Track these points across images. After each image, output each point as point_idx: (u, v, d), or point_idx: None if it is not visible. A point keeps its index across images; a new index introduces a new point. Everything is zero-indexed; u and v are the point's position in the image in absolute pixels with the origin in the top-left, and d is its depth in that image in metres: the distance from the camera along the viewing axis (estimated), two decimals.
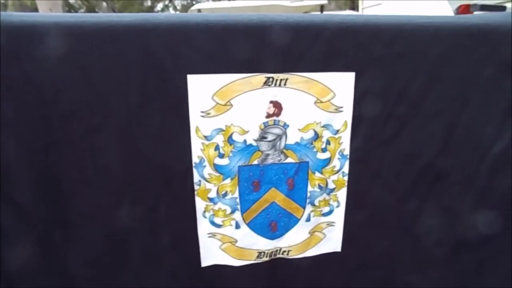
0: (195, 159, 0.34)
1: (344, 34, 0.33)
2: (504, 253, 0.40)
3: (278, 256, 0.38)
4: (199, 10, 2.62)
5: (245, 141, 0.34)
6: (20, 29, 0.29)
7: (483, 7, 1.15)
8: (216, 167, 0.34)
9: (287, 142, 0.35)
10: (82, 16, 0.31)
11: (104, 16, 0.32)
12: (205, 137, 0.33)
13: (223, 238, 0.36)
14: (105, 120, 0.32)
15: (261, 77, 0.33)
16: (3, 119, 0.30)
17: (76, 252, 0.34)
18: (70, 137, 0.32)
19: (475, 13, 1.17)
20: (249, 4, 2.84)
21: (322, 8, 2.82)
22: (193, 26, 0.31)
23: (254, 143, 0.34)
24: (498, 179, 0.38)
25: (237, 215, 0.36)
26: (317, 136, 0.35)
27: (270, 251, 0.38)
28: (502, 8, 1.15)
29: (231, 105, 0.33)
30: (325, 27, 0.33)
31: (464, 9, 1.25)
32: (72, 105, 0.31)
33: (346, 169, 0.37)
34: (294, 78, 0.33)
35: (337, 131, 0.36)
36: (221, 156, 0.34)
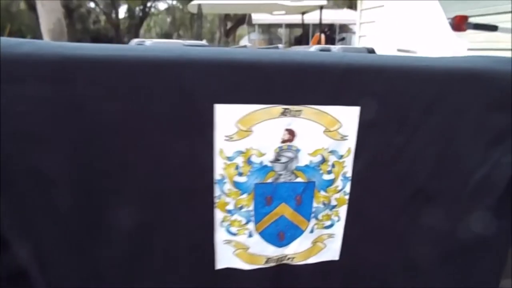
0: (217, 177, 0.38)
1: (352, 73, 0.38)
2: (483, 262, 0.46)
3: (283, 262, 0.43)
4: (199, 6, 2.63)
5: (261, 162, 0.39)
6: (72, 60, 0.33)
7: (476, 26, 1.21)
8: (235, 184, 0.39)
9: (298, 164, 0.40)
10: (126, 50, 0.35)
11: (142, 50, 0.36)
12: (227, 157, 0.38)
13: (237, 245, 0.41)
14: (141, 140, 0.36)
15: (279, 108, 0.37)
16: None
17: (107, 251, 0.39)
18: (110, 152, 0.36)
19: (468, 30, 1.22)
20: (250, 2, 2.87)
21: (321, 8, 2.86)
22: (221, 62, 0.36)
23: (269, 164, 0.39)
24: (479, 201, 0.44)
25: (251, 226, 0.41)
26: (324, 160, 0.40)
27: (277, 257, 0.43)
28: (493, 27, 1.21)
29: (252, 131, 0.38)
30: (336, 67, 0.38)
31: (459, 21, 1.30)
32: (114, 125, 0.35)
33: (347, 189, 0.42)
34: (308, 110, 0.38)
35: (342, 156, 0.40)
36: (240, 174, 0.39)
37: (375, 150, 0.40)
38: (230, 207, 0.40)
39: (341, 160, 0.40)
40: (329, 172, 0.41)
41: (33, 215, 0.36)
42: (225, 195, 0.39)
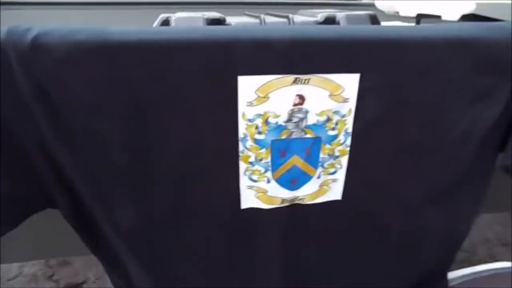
0: (240, 135, 0.47)
1: (353, 46, 0.44)
2: (455, 202, 0.55)
3: (296, 202, 0.53)
4: None
5: (277, 122, 0.47)
6: (118, 45, 0.40)
7: None
8: (256, 141, 0.48)
9: (307, 123, 0.48)
10: (160, 33, 0.42)
11: (175, 32, 0.42)
12: (249, 119, 0.46)
13: (258, 189, 0.51)
14: (179, 108, 0.44)
15: (291, 77, 0.45)
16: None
17: (154, 195, 0.49)
18: (153, 119, 0.44)
19: None
20: None
21: None
22: (241, 41, 0.43)
23: (283, 124, 0.47)
24: (462, 148, 0.52)
25: (269, 174, 0.50)
26: (329, 119, 0.48)
27: (290, 198, 0.53)
28: None
29: (269, 97, 0.45)
30: (339, 41, 0.44)
31: None
32: (156, 96, 0.43)
33: (348, 142, 0.50)
34: (315, 78, 0.45)
35: (344, 115, 0.48)
36: (259, 133, 0.47)
37: (372, 110, 0.48)
38: (251, 159, 0.49)
39: (343, 119, 0.48)
40: (333, 129, 0.49)
41: (96, 168, 0.46)
42: (247, 150, 0.48)
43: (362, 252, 0.58)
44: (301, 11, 0.70)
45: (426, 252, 0.61)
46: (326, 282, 0.59)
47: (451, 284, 0.70)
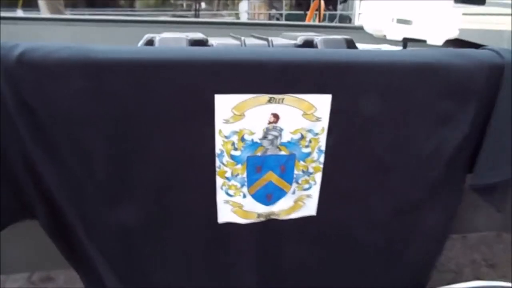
0: (217, 151, 0.49)
1: (325, 68, 0.47)
2: (426, 218, 0.57)
3: (271, 217, 0.55)
4: None
5: (252, 139, 0.49)
6: (100, 63, 0.43)
7: (464, 0, 1.26)
8: (232, 157, 0.50)
9: (282, 141, 0.50)
10: (142, 53, 0.44)
11: (156, 52, 0.45)
12: (225, 136, 0.48)
13: (234, 204, 0.53)
14: (159, 124, 0.46)
15: (266, 97, 0.47)
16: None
17: (133, 208, 0.50)
18: (134, 132, 0.46)
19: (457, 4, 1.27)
20: None
21: None
22: (219, 61, 0.45)
23: (259, 141, 0.49)
24: (426, 170, 0.54)
25: (245, 189, 0.52)
26: (302, 137, 0.50)
27: (266, 213, 0.54)
28: (481, 1, 1.26)
29: (244, 115, 0.47)
30: (312, 63, 0.47)
31: None
32: (137, 111, 0.45)
33: (321, 159, 0.52)
34: (289, 97, 0.48)
35: (317, 133, 0.51)
36: (235, 149, 0.49)
37: (343, 129, 0.50)
38: (228, 174, 0.50)
39: (316, 137, 0.51)
40: (307, 146, 0.51)
41: (76, 179, 0.47)
42: (224, 165, 0.50)
43: (337, 267, 0.60)
44: (284, 33, 0.73)
45: (400, 269, 0.63)
46: None
47: None
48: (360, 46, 0.70)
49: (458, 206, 0.59)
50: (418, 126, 0.52)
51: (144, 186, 0.49)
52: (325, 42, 0.60)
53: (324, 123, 0.50)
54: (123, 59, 0.42)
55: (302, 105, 0.48)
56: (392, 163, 0.53)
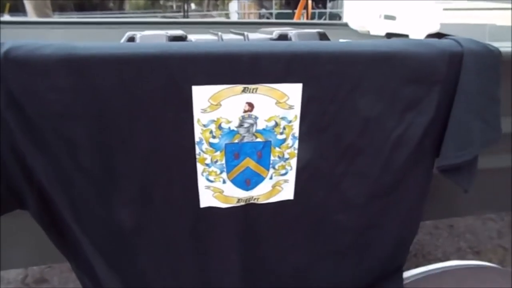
0: (196, 139, 0.52)
1: (295, 59, 0.51)
2: (399, 201, 0.61)
3: (250, 202, 0.58)
4: None
5: (229, 127, 0.52)
6: (83, 59, 0.45)
7: None
8: (210, 144, 0.53)
9: (257, 128, 0.53)
10: (124, 48, 0.47)
11: (136, 48, 0.48)
12: (204, 125, 0.51)
13: (215, 189, 0.56)
14: (140, 115, 0.49)
15: (240, 87, 0.50)
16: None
17: (119, 196, 0.53)
18: (117, 123, 0.49)
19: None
20: None
21: None
22: (196, 54, 0.48)
23: (235, 129, 0.53)
24: (396, 153, 0.58)
25: (224, 175, 0.55)
26: (276, 124, 0.54)
27: (245, 198, 0.57)
28: None
29: (221, 104, 0.51)
30: (283, 54, 0.50)
31: None
32: (119, 104, 0.48)
33: (296, 145, 0.56)
34: (262, 87, 0.51)
35: (290, 121, 0.54)
36: (214, 137, 0.52)
37: (315, 116, 0.54)
38: (207, 161, 0.54)
39: (290, 124, 0.54)
40: (282, 133, 0.54)
41: (64, 170, 0.50)
42: (203, 153, 0.53)
43: (316, 250, 0.63)
44: (261, 29, 0.77)
45: (377, 250, 0.66)
46: (281, 279, 0.64)
47: (405, 282, 0.75)
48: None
49: (428, 189, 0.63)
50: (385, 112, 0.55)
51: (129, 175, 0.52)
52: (299, 36, 0.63)
53: (297, 111, 0.53)
54: (103, 54, 0.45)
55: (275, 94, 0.51)
56: (364, 148, 0.57)
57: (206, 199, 0.56)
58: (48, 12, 3.15)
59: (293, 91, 0.52)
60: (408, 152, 0.58)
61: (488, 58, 0.56)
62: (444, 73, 0.55)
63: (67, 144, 0.49)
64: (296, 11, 3.04)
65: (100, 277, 0.59)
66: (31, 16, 3.00)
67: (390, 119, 0.56)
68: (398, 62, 0.54)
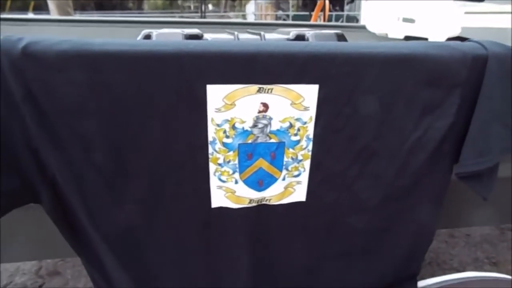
0: (210, 138, 0.52)
1: (312, 60, 0.50)
2: (414, 206, 0.59)
3: (263, 202, 0.57)
4: None
5: (243, 127, 0.52)
6: (99, 55, 0.46)
7: None
8: (224, 144, 0.52)
9: (271, 129, 0.53)
10: (139, 45, 0.47)
11: (152, 45, 0.48)
12: (217, 124, 0.51)
13: (227, 189, 0.55)
14: (154, 112, 0.49)
15: (255, 87, 0.50)
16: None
17: (130, 193, 0.53)
18: (130, 120, 0.49)
19: (457, 2, 1.28)
20: None
21: None
22: (211, 53, 0.48)
23: (249, 129, 0.52)
24: (413, 157, 0.56)
25: (236, 175, 0.55)
26: (291, 126, 0.53)
27: (258, 199, 0.57)
28: None
29: (235, 104, 0.50)
30: (300, 55, 0.49)
31: None
32: (133, 101, 0.48)
33: (310, 147, 0.55)
34: (278, 88, 0.50)
35: (305, 122, 0.53)
36: (227, 137, 0.52)
37: (330, 117, 0.53)
38: (220, 161, 0.53)
39: (304, 125, 0.53)
40: (296, 135, 0.53)
41: (77, 166, 0.50)
42: (216, 152, 0.53)
43: (326, 252, 0.62)
44: (279, 29, 0.76)
45: (390, 255, 0.65)
46: (290, 280, 0.63)
47: None
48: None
49: (444, 195, 0.61)
50: (403, 114, 0.54)
51: (140, 173, 0.52)
52: (316, 36, 0.62)
53: (312, 112, 0.52)
54: (118, 51, 0.45)
55: (290, 95, 0.51)
56: (379, 150, 0.55)
57: (218, 199, 0.55)
58: (70, 10, 3.22)
59: (309, 92, 0.51)
60: (426, 157, 0.57)
61: None
62: (465, 76, 0.54)
63: (80, 140, 0.49)
64: (313, 13, 3.02)
65: (109, 273, 0.59)
66: (54, 15, 3.08)
67: (407, 122, 0.55)
68: (416, 64, 0.52)
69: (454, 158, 0.59)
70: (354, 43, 0.52)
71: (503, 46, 0.54)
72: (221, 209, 0.56)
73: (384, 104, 0.53)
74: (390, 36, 1.72)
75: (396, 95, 0.53)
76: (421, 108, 0.54)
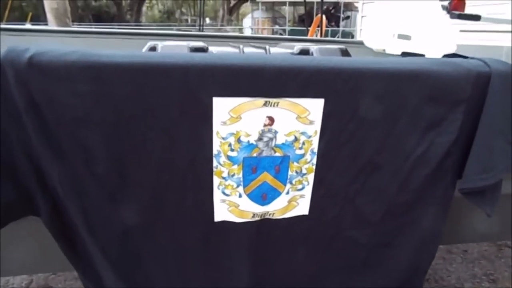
0: (214, 152, 0.51)
1: (317, 74, 0.50)
2: (416, 221, 0.59)
3: (266, 217, 0.57)
4: None
5: (248, 141, 0.51)
6: (106, 66, 0.45)
7: (460, 16, 1.30)
8: (228, 157, 0.52)
9: (276, 143, 0.52)
10: (145, 57, 0.47)
11: (158, 57, 0.48)
12: (222, 137, 0.51)
13: (230, 203, 0.54)
14: (159, 125, 0.49)
15: (261, 100, 0.50)
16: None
17: (131, 204, 0.52)
18: (134, 133, 0.49)
19: (452, 20, 1.31)
20: None
21: None
22: (217, 66, 0.48)
23: (254, 143, 0.52)
24: (416, 172, 0.56)
25: (240, 189, 0.54)
26: (296, 139, 0.53)
27: (261, 213, 0.56)
28: (477, 17, 1.30)
29: (241, 117, 0.50)
30: (306, 69, 0.49)
31: (456, 4, 1.37)
32: (138, 113, 0.48)
33: (314, 161, 0.54)
34: (283, 101, 0.50)
35: (310, 136, 0.53)
36: (232, 150, 0.51)
37: (334, 132, 0.53)
38: (224, 174, 0.53)
39: (309, 139, 0.53)
40: (301, 148, 0.53)
41: (79, 176, 0.49)
42: (221, 166, 0.52)
43: (327, 265, 0.61)
44: (282, 43, 0.76)
45: (391, 270, 0.64)
46: None
47: None
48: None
49: (447, 210, 0.61)
50: (407, 130, 0.54)
51: (141, 184, 0.51)
52: (321, 51, 0.62)
53: (317, 126, 0.52)
54: (124, 63, 0.45)
55: (296, 109, 0.51)
56: (382, 165, 0.55)
57: (221, 212, 0.55)
58: (68, 22, 3.23)
59: (315, 106, 0.51)
60: (428, 172, 0.57)
61: None
62: (469, 93, 0.54)
63: (82, 150, 0.48)
64: (310, 28, 3.06)
65: (106, 286, 0.58)
66: (52, 25, 3.08)
67: (410, 137, 0.55)
68: (422, 80, 0.53)
69: (457, 173, 0.59)
70: (359, 58, 0.53)
71: (505, 64, 0.55)
72: (223, 223, 0.55)
73: (389, 119, 0.53)
74: (388, 51, 1.74)
75: (401, 110, 0.53)
76: (425, 124, 0.54)
